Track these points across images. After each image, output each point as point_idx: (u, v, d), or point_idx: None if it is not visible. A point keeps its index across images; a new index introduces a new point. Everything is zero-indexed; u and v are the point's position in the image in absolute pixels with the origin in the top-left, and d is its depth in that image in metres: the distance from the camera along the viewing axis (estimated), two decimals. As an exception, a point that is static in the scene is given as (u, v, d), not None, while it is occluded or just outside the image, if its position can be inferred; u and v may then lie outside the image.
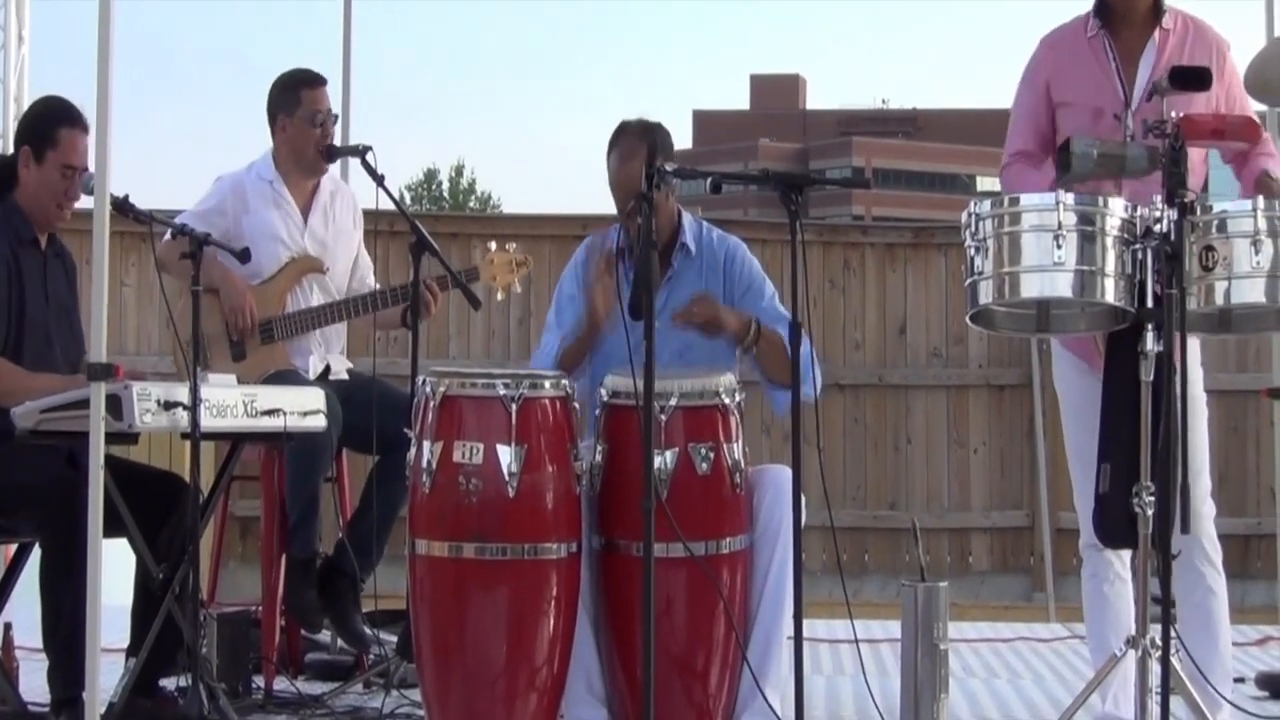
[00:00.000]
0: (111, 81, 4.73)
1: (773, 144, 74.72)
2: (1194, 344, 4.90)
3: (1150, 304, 4.30)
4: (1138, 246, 4.33)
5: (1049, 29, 5.08)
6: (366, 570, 5.88)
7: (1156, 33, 4.94)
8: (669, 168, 4.66)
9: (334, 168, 6.13)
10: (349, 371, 6.21)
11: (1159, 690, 4.27)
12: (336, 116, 6.17)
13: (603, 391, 4.86)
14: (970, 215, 4.43)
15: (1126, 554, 4.83)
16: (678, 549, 4.61)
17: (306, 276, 6.10)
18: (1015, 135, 5.06)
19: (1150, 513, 4.32)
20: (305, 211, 6.15)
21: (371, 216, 6.45)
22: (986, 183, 68.82)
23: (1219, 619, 4.92)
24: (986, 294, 4.41)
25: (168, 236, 5.69)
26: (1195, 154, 4.80)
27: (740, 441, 4.82)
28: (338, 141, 6.25)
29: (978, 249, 4.40)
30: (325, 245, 6.16)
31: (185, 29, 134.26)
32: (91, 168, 5.02)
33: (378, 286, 6.29)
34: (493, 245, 6.12)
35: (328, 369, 6.10)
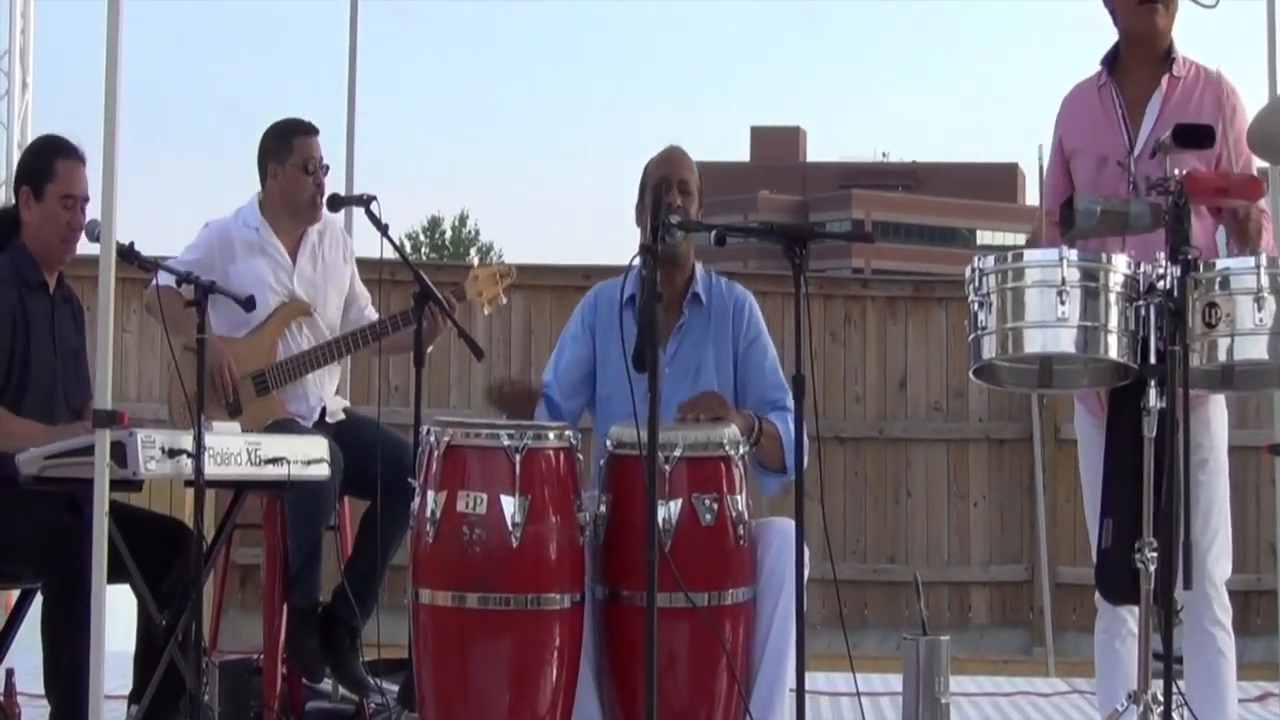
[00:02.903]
0: (118, 129, 4.75)
1: (772, 196, 74.88)
2: (1221, 410, 4.92)
3: (1153, 360, 4.31)
4: (1141, 303, 4.35)
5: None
6: (366, 615, 5.88)
7: (1165, 80, 4.96)
8: (674, 220, 4.68)
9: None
10: (345, 410, 6.21)
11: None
12: (328, 168, 6.17)
13: (608, 442, 4.87)
14: (974, 270, 4.46)
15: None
16: (681, 600, 4.61)
17: (295, 320, 6.10)
18: (1044, 197, 5.10)
19: (1152, 568, 4.32)
20: (293, 255, 6.16)
21: (374, 265, 6.46)
22: (986, 236, 68.97)
23: (1227, 681, 4.91)
24: (990, 349, 4.43)
25: (164, 280, 5.41)
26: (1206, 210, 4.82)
27: (744, 493, 4.81)
28: (341, 190, 6.26)
29: (981, 304, 4.42)
30: (315, 286, 6.17)
31: (181, 79, 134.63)
32: (96, 214, 5.02)
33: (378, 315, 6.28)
34: (474, 258, 6.13)
35: (324, 412, 6.10)
